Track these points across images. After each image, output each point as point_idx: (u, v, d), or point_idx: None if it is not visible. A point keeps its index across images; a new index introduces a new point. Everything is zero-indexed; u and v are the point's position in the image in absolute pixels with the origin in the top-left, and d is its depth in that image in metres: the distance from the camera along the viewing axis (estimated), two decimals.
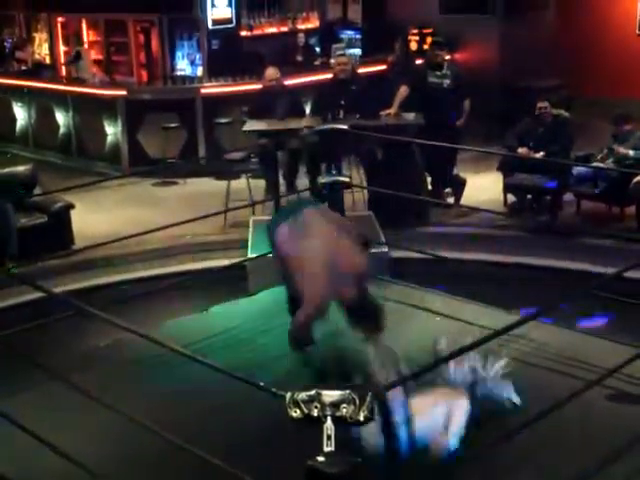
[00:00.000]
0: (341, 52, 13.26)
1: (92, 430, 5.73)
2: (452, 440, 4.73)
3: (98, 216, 11.30)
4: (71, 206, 10.26)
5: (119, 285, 9.35)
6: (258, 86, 12.08)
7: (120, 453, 5.54)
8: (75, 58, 15.27)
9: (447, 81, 11.11)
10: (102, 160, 14.11)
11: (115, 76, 15.49)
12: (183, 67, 15.39)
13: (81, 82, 14.71)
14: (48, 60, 17.13)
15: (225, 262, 8.87)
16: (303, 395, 3.65)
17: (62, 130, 14.82)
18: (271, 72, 11.52)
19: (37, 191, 10.53)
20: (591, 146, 11.04)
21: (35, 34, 17.51)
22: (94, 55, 16.38)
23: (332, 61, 12.99)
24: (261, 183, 11.21)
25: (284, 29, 16.25)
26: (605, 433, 4.97)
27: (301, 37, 15.62)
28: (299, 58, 15.30)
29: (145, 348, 5.68)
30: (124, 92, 13.90)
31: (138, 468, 5.42)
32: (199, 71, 15.05)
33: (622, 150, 10.34)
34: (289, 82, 12.41)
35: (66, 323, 7.17)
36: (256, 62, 14.04)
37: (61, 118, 14.79)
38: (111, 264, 9.69)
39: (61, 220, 10.20)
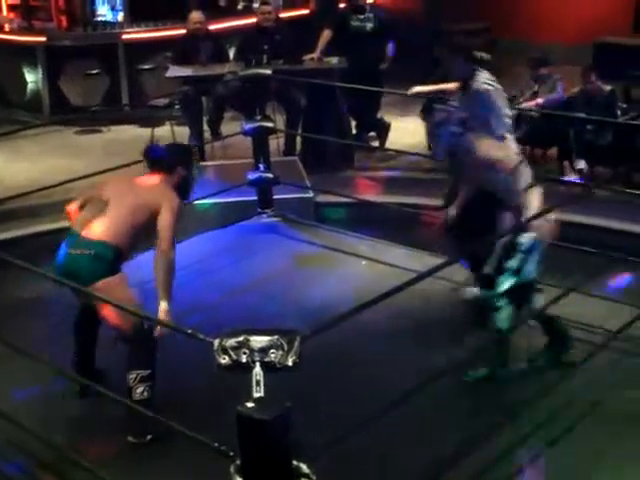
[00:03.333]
0: None
1: (19, 381, 5.72)
2: None
3: (19, 165, 11.08)
4: None
5: (43, 235, 9.22)
6: (182, 31, 11.90)
7: (50, 406, 5.54)
8: None
9: (370, 24, 11.06)
10: (23, 108, 13.79)
11: (34, 22, 15.12)
12: (104, 12, 15.04)
13: None
14: None
15: None
16: (231, 341, 3.65)
17: None
18: (195, 16, 11.33)
19: None
20: (513, 89, 11.11)
21: None
22: (11, 0, 15.98)
23: (255, 5, 12.82)
24: (186, 130, 11.11)
25: None
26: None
27: None
28: (222, 3, 15.08)
29: (72, 298, 5.65)
30: (44, 38, 13.57)
31: (69, 421, 5.42)
32: (120, 16, 14.76)
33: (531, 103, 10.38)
34: (213, 27, 12.24)
35: None
36: (179, 6, 13.80)
37: None
38: (34, 214, 9.54)
39: None
